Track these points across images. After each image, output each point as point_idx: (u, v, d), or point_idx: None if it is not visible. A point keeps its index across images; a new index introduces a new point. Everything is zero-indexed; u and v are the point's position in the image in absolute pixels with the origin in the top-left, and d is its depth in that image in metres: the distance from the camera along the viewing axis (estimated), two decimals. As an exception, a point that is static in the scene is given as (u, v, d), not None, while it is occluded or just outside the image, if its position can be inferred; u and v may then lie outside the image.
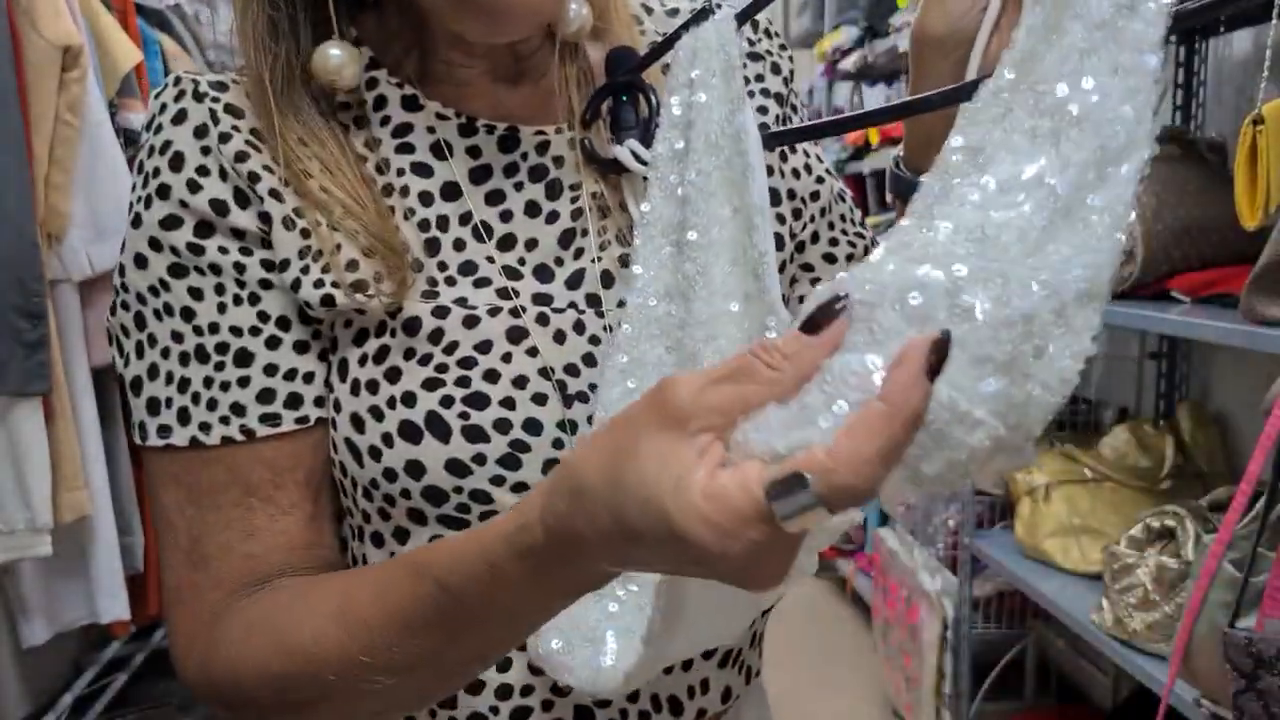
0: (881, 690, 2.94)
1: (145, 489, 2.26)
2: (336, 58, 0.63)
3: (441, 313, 0.62)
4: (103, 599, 2.07)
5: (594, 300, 0.65)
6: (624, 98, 0.67)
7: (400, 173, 0.65)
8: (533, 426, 0.61)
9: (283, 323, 0.62)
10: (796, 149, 0.76)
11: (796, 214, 0.75)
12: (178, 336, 0.62)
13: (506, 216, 0.66)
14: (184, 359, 0.62)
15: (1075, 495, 2.03)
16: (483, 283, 0.64)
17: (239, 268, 0.62)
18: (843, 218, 0.79)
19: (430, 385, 0.61)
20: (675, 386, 0.40)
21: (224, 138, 0.62)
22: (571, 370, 0.63)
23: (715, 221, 0.60)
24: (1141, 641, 1.69)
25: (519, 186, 0.66)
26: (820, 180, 0.77)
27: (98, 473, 2.03)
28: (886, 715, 2.86)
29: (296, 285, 0.61)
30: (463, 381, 0.61)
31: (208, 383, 0.62)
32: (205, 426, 0.61)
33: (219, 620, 0.60)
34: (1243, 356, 2.08)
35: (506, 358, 0.62)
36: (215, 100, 0.63)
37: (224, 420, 0.61)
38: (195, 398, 0.62)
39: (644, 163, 0.64)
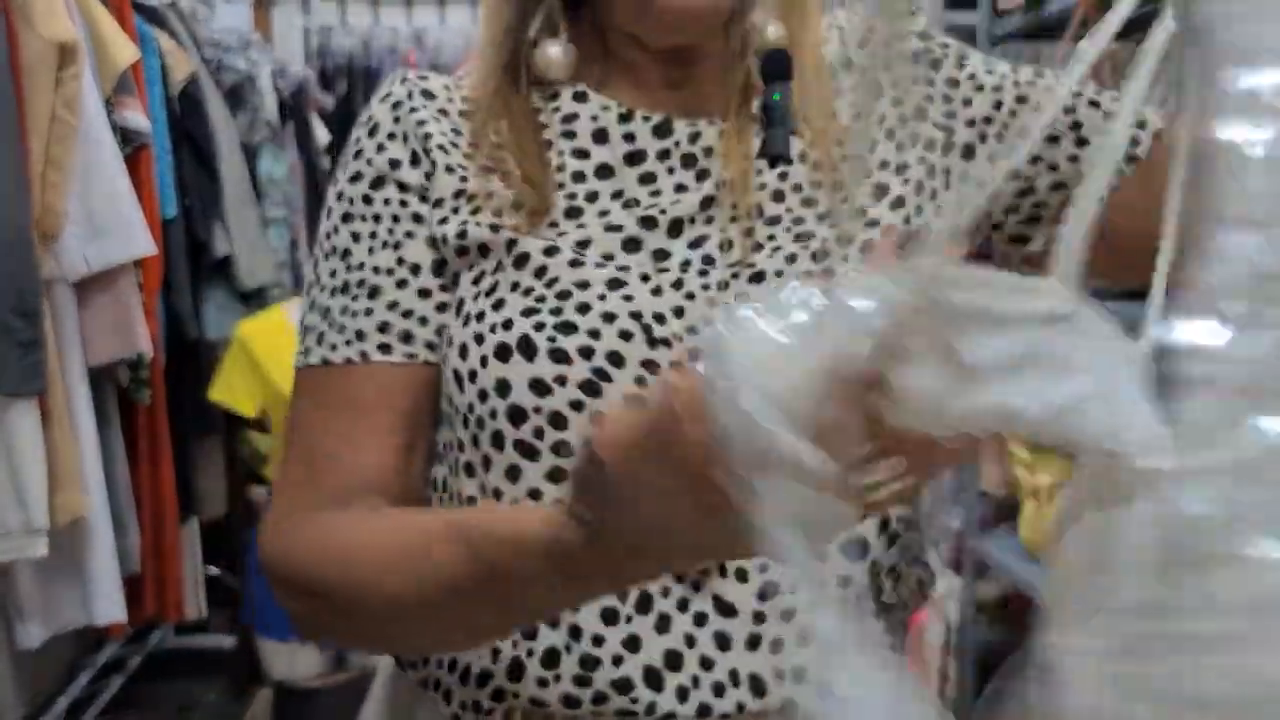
0: (883, 692, 2.92)
1: (142, 490, 2.27)
2: (555, 53, 0.74)
3: (551, 252, 0.69)
4: (99, 601, 2.06)
5: (708, 260, 0.71)
6: (775, 96, 0.73)
7: (560, 154, 0.74)
8: (616, 359, 0.67)
9: (414, 269, 0.72)
10: (960, 82, 0.78)
11: (979, 140, 0.77)
12: (333, 274, 0.73)
13: (655, 194, 0.73)
14: (332, 292, 0.73)
15: (1080, 496, 2.02)
16: (614, 228, 0.71)
17: (395, 218, 0.72)
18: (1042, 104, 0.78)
19: (527, 313, 0.68)
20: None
21: (412, 110, 0.74)
22: (659, 318, 0.68)
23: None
24: (1148, 644, 1.68)
25: (670, 170, 0.73)
26: (997, 89, 0.77)
27: (94, 474, 2.01)
28: (888, 717, 2.85)
29: (444, 221, 0.71)
30: (556, 311, 0.68)
31: (343, 311, 0.72)
32: (334, 347, 0.71)
33: (308, 521, 0.69)
34: (1248, 356, 2.06)
35: (601, 297, 0.68)
36: (415, 84, 0.75)
37: (348, 343, 0.71)
38: (331, 324, 0.72)
39: (786, 159, 0.72)
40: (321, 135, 3.87)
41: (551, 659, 0.68)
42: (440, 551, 0.60)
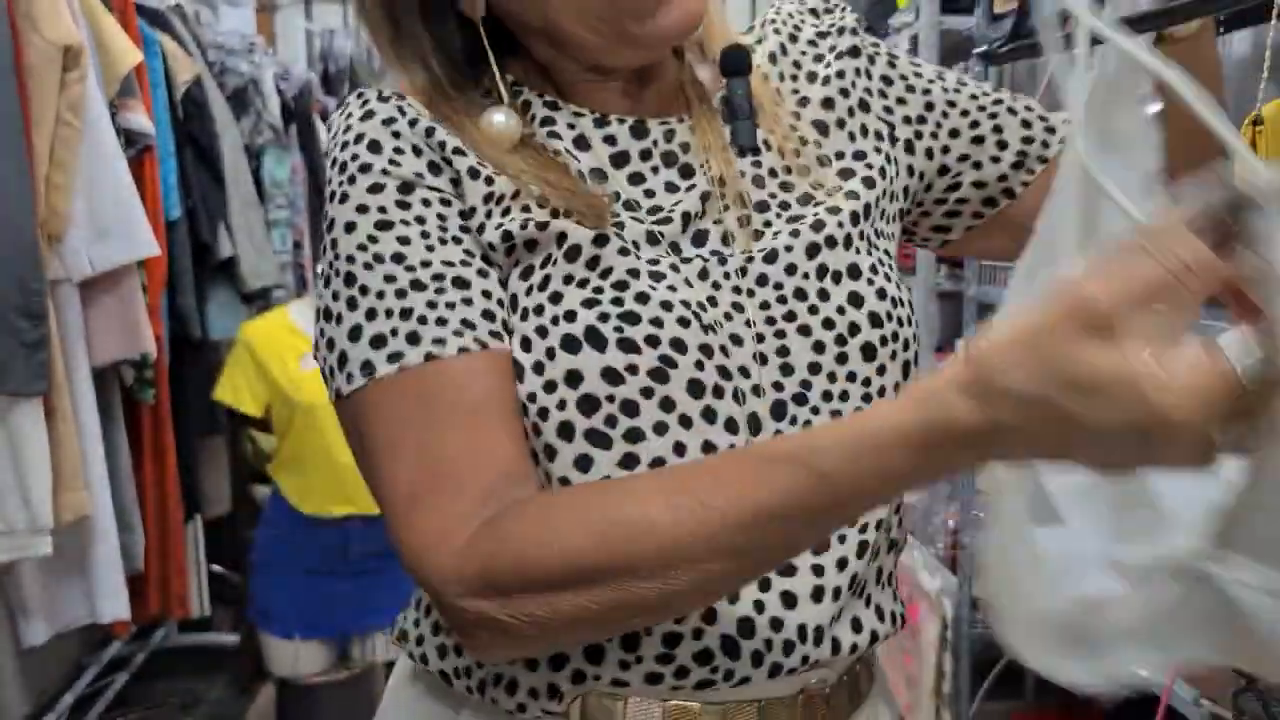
0: (882, 690, 2.93)
1: (146, 489, 2.29)
2: (500, 121, 0.73)
3: (601, 241, 0.70)
4: (103, 599, 2.08)
5: (717, 254, 0.73)
6: (738, 90, 0.77)
7: (556, 154, 0.74)
8: (678, 345, 0.68)
9: (487, 260, 0.70)
10: (893, 80, 0.83)
11: (915, 137, 0.83)
12: (390, 279, 0.68)
13: (650, 194, 0.74)
14: (401, 294, 0.67)
15: (1075, 495, 2.02)
16: (637, 221, 0.72)
17: (441, 217, 0.70)
18: (969, 109, 0.84)
19: (588, 304, 0.68)
20: (1088, 294, 0.45)
21: (412, 122, 0.71)
22: (701, 306, 0.70)
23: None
24: (1141, 641, 1.69)
25: (655, 170, 0.75)
26: (927, 91, 0.83)
27: (98, 472, 2.03)
28: (887, 715, 2.85)
29: (481, 229, 0.70)
30: (617, 301, 0.68)
31: (431, 305, 0.67)
32: (439, 341, 0.66)
33: (496, 518, 0.62)
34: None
35: (652, 287, 0.69)
36: (399, 99, 0.73)
37: (457, 333, 0.67)
38: (422, 319, 0.67)
39: (755, 149, 0.76)
40: (325, 137, 3.89)
41: (632, 640, 0.69)
42: (764, 487, 0.56)
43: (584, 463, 0.68)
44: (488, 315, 0.68)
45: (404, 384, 0.66)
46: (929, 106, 0.83)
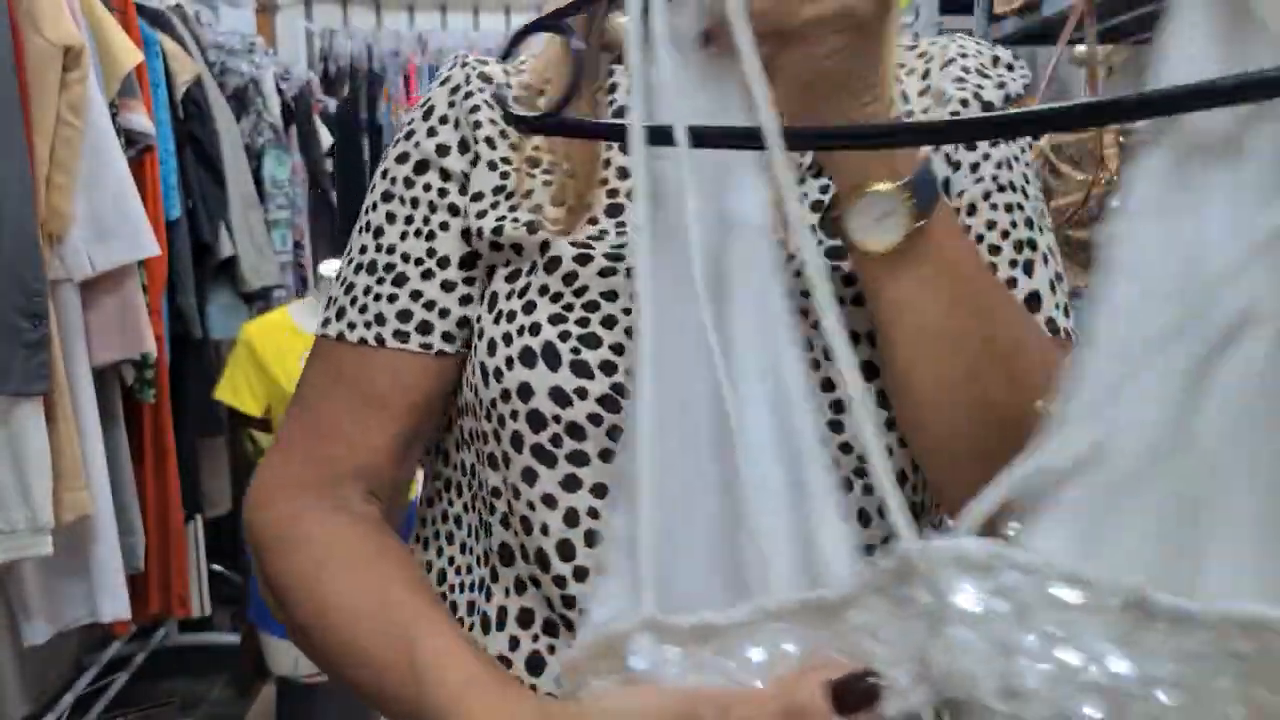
0: (882, 690, 2.93)
1: (146, 488, 2.29)
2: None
3: (583, 259, 0.68)
4: (104, 598, 2.08)
5: None
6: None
7: (609, 146, 0.73)
8: None
9: (443, 262, 0.72)
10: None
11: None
12: (363, 249, 0.74)
13: None
14: (358, 269, 0.74)
15: (1075, 495, 2.02)
16: None
17: (431, 206, 0.73)
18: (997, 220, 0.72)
19: (555, 320, 0.67)
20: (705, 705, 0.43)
21: (467, 95, 0.73)
22: None
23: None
24: (1141, 641, 1.69)
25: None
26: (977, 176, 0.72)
27: (98, 472, 2.03)
28: (887, 715, 2.86)
29: (482, 215, 0.71)
30: (582, 322, 0.67)
31: (366, 291, 0.73)
32: (351, 325, 0.72)
33: (301, 517, 0.69)
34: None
35: (627, 311, 0.67)
36: (474, 68, 0.75)
37: (366, 325, 0.72)
38: (353, 301, 0.73)
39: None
40: (325, 138, 3.90)
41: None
42: (393, 655, 0.62)
43: (529, 476, 0.67)
44: (403, 315, 0.71)
45: (325, 350, 0.74)
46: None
